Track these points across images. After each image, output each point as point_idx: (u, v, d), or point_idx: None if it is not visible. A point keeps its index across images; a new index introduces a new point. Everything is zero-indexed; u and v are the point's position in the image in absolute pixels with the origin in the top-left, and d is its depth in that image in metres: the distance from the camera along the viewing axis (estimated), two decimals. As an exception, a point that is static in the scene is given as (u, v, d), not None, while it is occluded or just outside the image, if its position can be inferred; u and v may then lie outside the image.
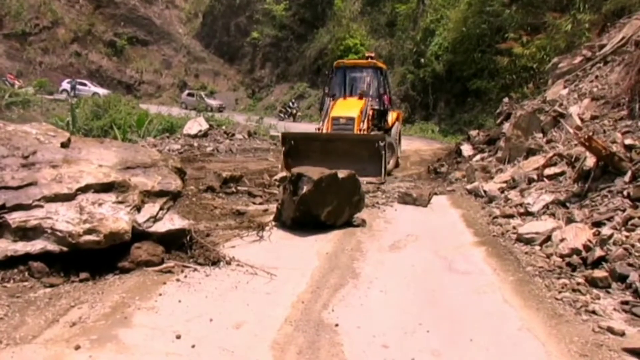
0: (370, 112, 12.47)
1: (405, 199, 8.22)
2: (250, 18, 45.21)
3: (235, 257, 4.69)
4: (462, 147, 13.67)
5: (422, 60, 29.63)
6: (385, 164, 10.55)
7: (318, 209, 6.00)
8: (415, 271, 4.84)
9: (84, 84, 37.04)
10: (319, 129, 12.51)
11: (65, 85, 36.82)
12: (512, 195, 7.60)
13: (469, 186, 9.40)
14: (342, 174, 6.35)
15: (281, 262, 4.77)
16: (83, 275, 3.98)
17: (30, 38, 40.98)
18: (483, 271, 4.86)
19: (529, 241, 5.60)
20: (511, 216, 6.75)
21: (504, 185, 8.38)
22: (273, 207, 6.94)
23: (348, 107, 12.29)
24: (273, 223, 6.10)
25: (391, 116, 13.84)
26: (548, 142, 8.86)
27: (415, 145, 21.03)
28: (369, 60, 13.92)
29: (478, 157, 12.07)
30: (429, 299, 4.12)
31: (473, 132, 14.58)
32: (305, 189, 5.80)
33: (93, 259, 4.12)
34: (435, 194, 9.04)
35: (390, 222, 6.92)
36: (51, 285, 3.80)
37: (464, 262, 5.14)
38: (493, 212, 7.22)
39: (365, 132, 11.68)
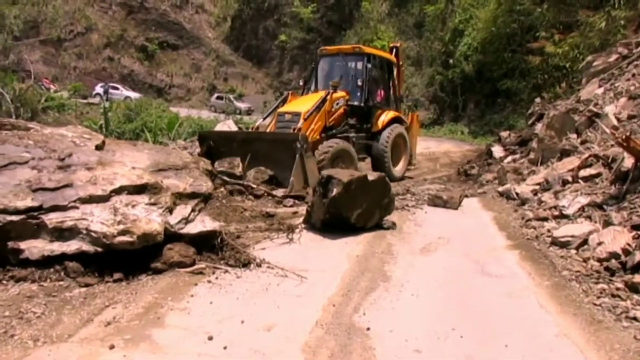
0: (341, 110, 10.47)
1: (436, 201, 8.13)
2: (278, 21, 45.48)
3: (266, 259, 4.69)
4: (492, 149, 13.46)
5: (451, 61, 29.34)
6: (300, 171, 8.28)
7: (348, 212, 5.97)
8: (447, 274, 4.77)
9: (117, 88, 37.81)
10: (253, 128, 11.02)
11: (99, 89, 37.64)
12: (546, 198, 7.44)
13: (500, 188, 9.25)
14: (372, 176, 6.32)
15: (311, 265, 4.75)
16: (117, 275, 4.03)
17: (65, 44, 42.04)
18: (517, 275, 4.76)
19: (564, 245, 5.47)
20: (545, 219, 6.60)
21: (537, 187, 8.21)
22: (303, 209, 6.94)
23: (302, 102, 10.46)
24: (303, 225, 6.09)
25: (385, 116, 11.60)
26: (583, 142, 8.66)
27: (445, 146, 20.84)
28: (354, 46, 11.99)
29: (509, 158, 11.87)
30: (461, 303, 4.05)
31: (504, 133, 14.34)
32: (335, 191, 5.78)
33: (126, 260, 4.17)
34: (466, 196, 8.91)
35: (421, 224, 6.84)
36: (86, 285, 3.86)
37: (496, 265, 5.04)
38: (526, 215, 7.08)
39: (312, 132, 9.63)
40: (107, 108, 19.53)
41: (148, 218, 4.28)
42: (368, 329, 3.41)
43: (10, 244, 3.82)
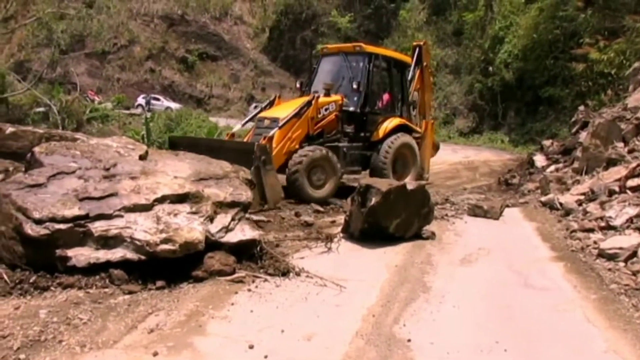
0: (332, 116, 9.37)
1: (476, 211, 7.99)
2: (316, 31, 45.69)
3: (305, 268, 4.70)
4: (534, 158, 13.16)
5: (491, 68, 28.88)
6: (260, 185, 7.38)
7: (386, 221, 5.93)
8: (489, 286, 4.67)
9: (158, 99, 38.69)
10: (230, 135, 10.05)
11: (141, 100, 38.58)
12: (592, 208, 7.21)
13: (543, 198, 9.02)
14: (411, 185, 6.27)
15: (350, 274, 4.73)
16: (159, 283, 4.10)
17: (109, 56, 43.32)
18: (562, 288, 4.62)
19: (612, 257, 5.29)
20: (591, 230, 6.41)
21: (582, 197, 7.98)
22: (341, 218, 6.93)
23: (285, 107, 9.45)
24: (341, 235, 6.07)
25: (388, 123, 10.20)
26: (630, 151, 8.38)
27: (484, 155, 20.49)
28: (355, 44, 10.57)
29: (552, 167, 11.57)
30: (504, 315, 3.95)
31: (547, 142, 14.02)
32: (373, 200, 5.75)
33: (168, 268, 4.25)
34: (507, 206, 8.72)
35: (461, 234, 6.74)
36: (130, 292, 3.94)
37: (540, 277, 4.92)
38: (571, 226, 6.89)
39: (289, 140, 8.64)
40: (149, 118, 20.00)
41: (189, 227, 4.35)
42: (409, 340, 3.36)
43: (58, 251, 3.94)
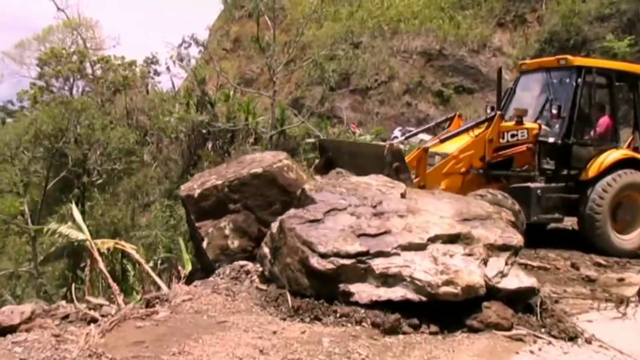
0: (523, 147, 7.74)
1: None
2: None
3: (595, 335, 4.07)
4: None
5: None
6: None
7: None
8: None
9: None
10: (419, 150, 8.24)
11: (397, 132, 40.18)
12: None
13: None
14: None
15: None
16: (433, 327, 3.97)
17: (370, 92, 46.49)
18: None
19: None
20: None
21: None
22: (630, 276, 5.93)
23: (459, 140, 7.81)
24: (638, 297, 5.13)
25: (606, 157, 7.83)
26: None
27: None
28: (559, 57, 8.42)
29: None
30: None
31: None
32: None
33: (438, 311, 4.09)
34: None
35: None
36: (404, 333, 3.89)
37: None
38: None
39: (457, 161, 7.41)
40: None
41: (469, 269, 4.17)
42: None
43: (342, 286, 4.10)
